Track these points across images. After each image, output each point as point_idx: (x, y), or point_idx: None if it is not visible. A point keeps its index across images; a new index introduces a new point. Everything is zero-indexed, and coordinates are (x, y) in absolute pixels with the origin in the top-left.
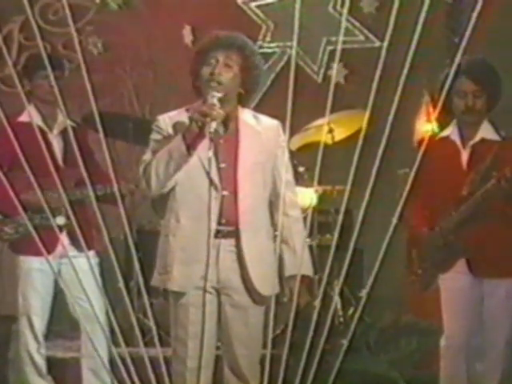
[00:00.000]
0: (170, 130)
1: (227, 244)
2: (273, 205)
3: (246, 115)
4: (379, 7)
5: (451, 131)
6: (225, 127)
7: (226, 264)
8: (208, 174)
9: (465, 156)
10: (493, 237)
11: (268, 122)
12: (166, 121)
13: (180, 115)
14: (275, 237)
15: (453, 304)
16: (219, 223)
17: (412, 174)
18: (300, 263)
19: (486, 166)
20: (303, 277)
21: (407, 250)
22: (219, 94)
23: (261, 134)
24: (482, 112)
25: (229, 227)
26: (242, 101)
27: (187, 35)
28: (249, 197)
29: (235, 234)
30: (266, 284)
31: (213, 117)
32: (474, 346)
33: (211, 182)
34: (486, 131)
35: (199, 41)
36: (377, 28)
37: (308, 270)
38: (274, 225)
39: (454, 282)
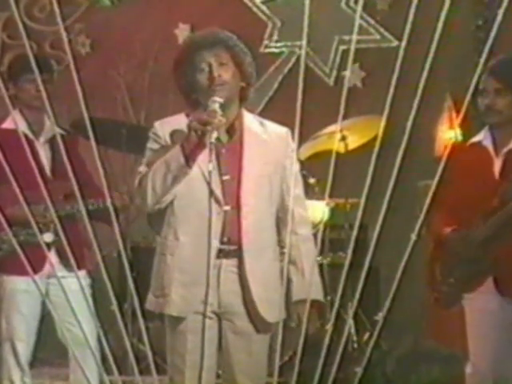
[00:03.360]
0: (168, 138)
1: (229, 265)
2: (280, 221)
3: (252, 121)
4: (392, 4)
5: (483, 136)
6: (228, 135)
7: (227, 287)
8: (210, 187)
9: (498, 164)
10: None
11: (276, 130)
12: (163, 127)
13: (179, 121)
14: (282, 255)
15: (479, 327)
16: (221, 241)
17: (435, 183)
18: (309, 287)
19: None
20: (313, 301)
21: (430, 265)
22: (220, 100)
23: (267, 143)
24: (508, 114)
25: (231, 246)
26: (244, 95)
27: (181, 35)
28: (253, 212)
29: (238, 254)
30: (272, 309)
31: (214, 125)
32: (503, 375)
33: (213, 196)
34: None
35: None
36: (390, 26)
37: (318, 294)
38: (281, 243)
39: (480, 303)
